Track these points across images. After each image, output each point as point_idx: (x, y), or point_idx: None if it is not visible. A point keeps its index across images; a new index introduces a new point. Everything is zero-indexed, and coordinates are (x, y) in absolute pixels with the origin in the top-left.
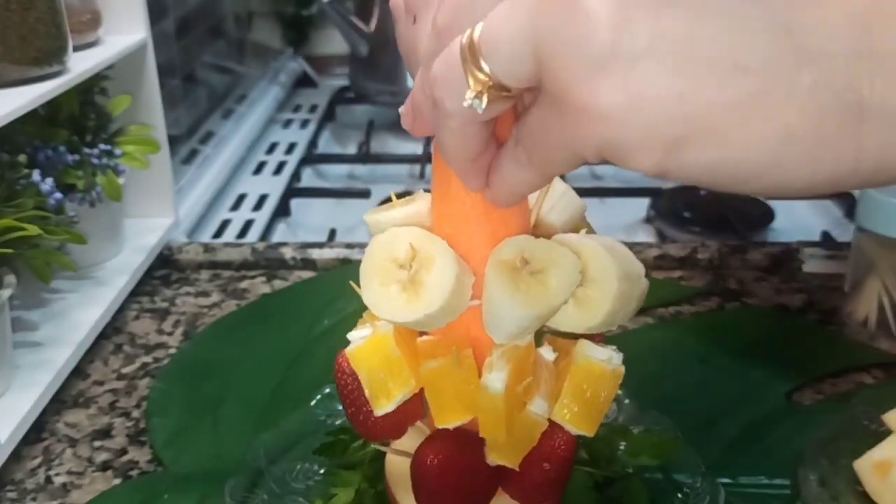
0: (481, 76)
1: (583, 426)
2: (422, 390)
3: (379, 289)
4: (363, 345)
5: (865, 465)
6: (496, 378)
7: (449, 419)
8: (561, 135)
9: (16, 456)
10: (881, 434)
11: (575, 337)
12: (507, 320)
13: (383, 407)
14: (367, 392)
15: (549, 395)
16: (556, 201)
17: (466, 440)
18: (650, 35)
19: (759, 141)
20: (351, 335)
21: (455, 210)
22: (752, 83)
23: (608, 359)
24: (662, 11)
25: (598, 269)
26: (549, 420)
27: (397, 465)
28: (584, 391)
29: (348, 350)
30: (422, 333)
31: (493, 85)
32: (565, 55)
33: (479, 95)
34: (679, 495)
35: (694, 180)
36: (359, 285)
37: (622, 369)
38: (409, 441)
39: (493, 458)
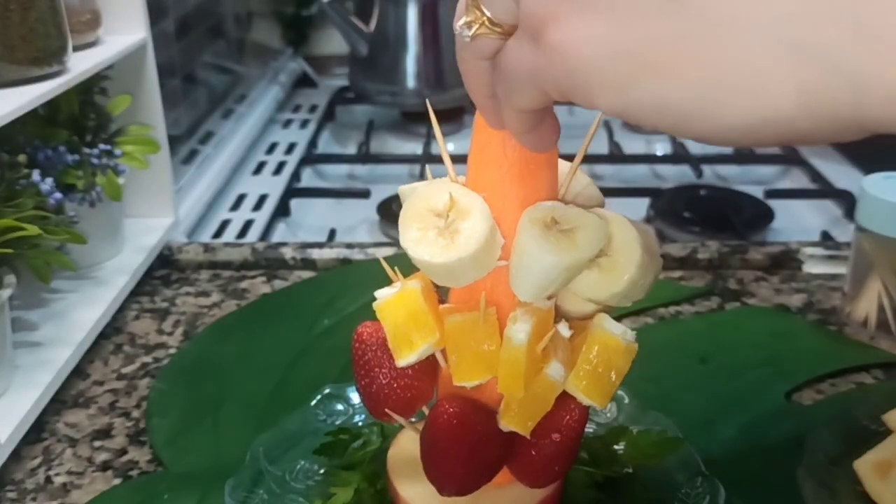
0: (476, 10)
1: (595, 397)
2: (436, 370)
3: (417, 233)
4: (391, 299)
5: (865, 465)
6: (520, 329)
7: (468, 376)
8: (527, 67)
9: (16, 456)
10: (881, 434)
11: (590, 315)
12: (535, 270)
13: (406, 357)
14: (391, 343)
15: (565, 365)
16: (581, 190)
17: (480, 406)
18: None
19: (693, 77)
20: (378, 293)
21: (491, 173)
22: (682, 17)
23: (623, 333)
24: None
25: (622, 238)
26: (562, 393)
27: (399, 456)
28: (599, 363)
29: (376, 304)
30: (441, 301)
31: (485, 20)
32: None
33: (468, 24)
34: (679, 495)
35: (647, 121)
36: (360, 284)
37: (636, 346)
38: (412, 444)
39: (506, 423)
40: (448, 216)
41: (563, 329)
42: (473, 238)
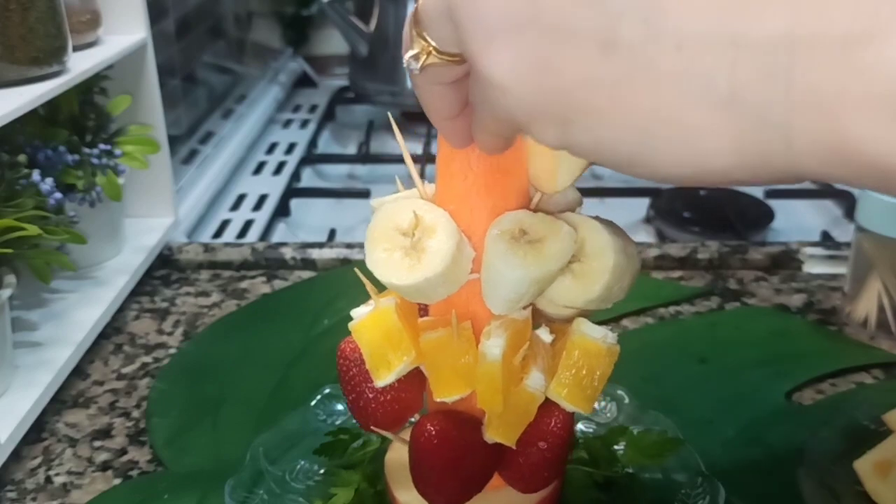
0: (422, 41)
1: (579, 403)
2: (423, 380)
3: (383, 254)
4: (365, 319)
5: (865, 465)
6: (494, 344)
7: (447, 392)
8: (478, 99)
9: (16, 456)
10: (881, 434)
11: (571, 318)
12: (504, 285)
13: (384, 378)
14: (368, 365)
15: (545, 372)
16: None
17: (464, 419)
18: (532, 6)
19: (628, 123)
20: (354, 312)
21: (457, 186)
22: (616, 63)
23: (603, 336)
24: None
25: (595, 243)
26: (546, 399)
27: (396, 461)
28: (580, 368)
29: (351, 324)
30: (423, 314)
31: (433, 49)
32: (467, 23)
33: (416, 57)
34: (679, 495)
35: (592, 160)
36: (360, 284)
37: (617, 348)
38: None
39: (491, 435)
40: (413, 234)
41: (544, 334)
42: (440, 256)
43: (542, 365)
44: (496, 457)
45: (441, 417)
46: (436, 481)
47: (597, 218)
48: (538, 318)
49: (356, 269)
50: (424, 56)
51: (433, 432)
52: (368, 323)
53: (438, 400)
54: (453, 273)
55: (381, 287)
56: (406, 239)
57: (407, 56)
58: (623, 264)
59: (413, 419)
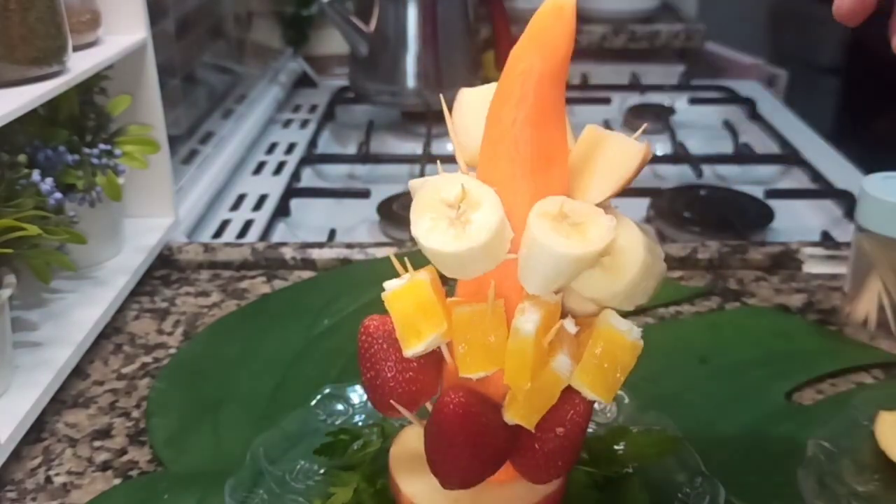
0: None
1: (600, 392)
2: (440, 366)
3: (429, 222)
4: (399, 289)
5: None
6: (528, 320)
7: (474, 368)
8: None
9: (16, 456)
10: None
11: (595, 314)
12: (545, 263)
13: (413, 347)
14: (399, 333)
15: (571, 358)
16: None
17: (485, 399)
18: None
19: None
20: (387, 283)
21: (502, 168)
22: None
23: (629, 330)
24: None
25: (626, 239)
26: (567, 388)
27: (402, 453)
28: (605, 358)
29: (384, 294)
30: (451, 295)
31: None
32: None
33: None
34: (679, 495)
35: None
36: (360, 284)
37: (641, 343)
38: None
39: (511, 416)
40: (459, 207)
41: (570, 325)
42: (484, 228)
43: (568, 352)
44: (512, 441)
45: (465, 391)
46: (453, 456)
47: (629, 218)
48: (563, 312)
49: (391, 256)
50: None
51: (458, 402)
52: (403, 293)
53: (464, 376)
54: (495, 247)
55: (417, 265)
56: (452, 210)
57: None
58: (650, 263)
59: (428, 406)
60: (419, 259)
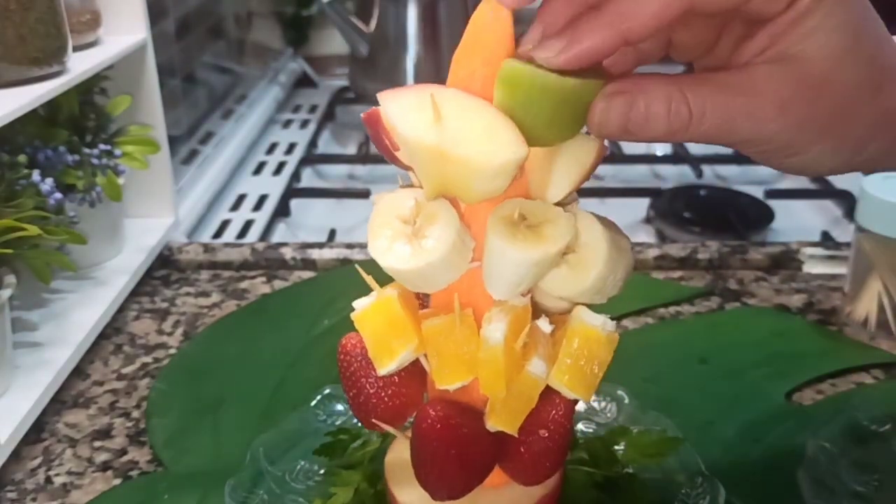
0: None
1: (579, 390)
2: (423, 378)
3: (385, 241)
4: (368, 308)
5: None
6: (495, 328)
7: (449, 379)
8: None
9: (16, 456)
10: (881, 434)
11: (568, 311)
12: (506, 268)
13: (386, 366)
14: (371, 353)
15: (547, 360)
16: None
17: (466, 408)
18: None
19: None
20: (356, 303)
21: None
22: None
23: (602, 324)
24: None
25: (589, 235)
26: (547, 388)
27: (396, 461)
28: (581, 355)
29: (353, 314)
30: (423, 306)
31: None
32: None
33: None
34: (679, 495)
35: None
36: (360, 284)
37: (616, 335)
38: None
39: (493, 423)
40: (415, 222)
41: (544, 324)
42: (441, 242)
43: (544, 352)
44: (498, 447)
45: (444, 404)
46: (438, 469)
47: (589, 211)
48: (537, 310)
49: (357, 266)
50: None
51: (436, 416)
52: (371, 312)
53: (441, 388)
54: (454, 260)
55: (382, 282)
56: (407, 226)
57: None
58: (615, 256)
59: (413, 418)
60: None
